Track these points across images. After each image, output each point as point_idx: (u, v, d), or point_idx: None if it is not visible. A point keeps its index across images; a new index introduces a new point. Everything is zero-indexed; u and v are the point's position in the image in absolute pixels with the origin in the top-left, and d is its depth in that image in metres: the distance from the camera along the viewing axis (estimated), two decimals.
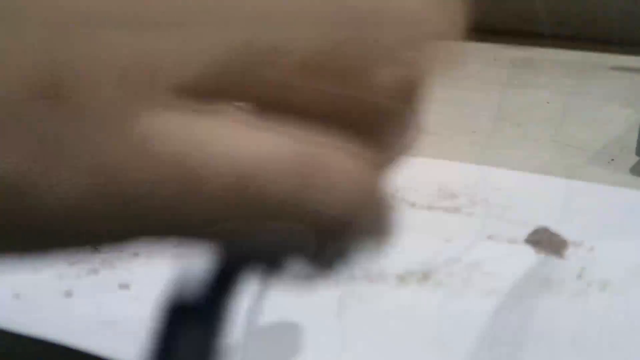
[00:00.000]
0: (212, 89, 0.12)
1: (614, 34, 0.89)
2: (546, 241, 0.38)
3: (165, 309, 0.16)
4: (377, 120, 0.15)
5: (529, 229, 0.40)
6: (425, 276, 0.35)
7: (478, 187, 0.45)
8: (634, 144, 0.50)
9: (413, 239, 0.39)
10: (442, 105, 0.65)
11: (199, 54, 0.12)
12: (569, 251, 0.37)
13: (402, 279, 0.35)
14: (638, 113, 0.61)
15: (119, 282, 0.34)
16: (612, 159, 0.51)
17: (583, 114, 0.62)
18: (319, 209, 0.14)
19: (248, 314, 0.21)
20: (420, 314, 0.32)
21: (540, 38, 0.91)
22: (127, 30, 0.12)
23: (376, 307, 0.32)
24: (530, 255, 0.37)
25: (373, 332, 0.31)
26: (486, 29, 0.94)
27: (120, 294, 0.33)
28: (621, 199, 0.44)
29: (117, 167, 0.12)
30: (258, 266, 0.16)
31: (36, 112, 0.11)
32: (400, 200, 0.44)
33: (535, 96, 0.67)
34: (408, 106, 0.16)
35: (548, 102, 0.65)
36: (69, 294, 0.33)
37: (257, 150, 0.13)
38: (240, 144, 0.12)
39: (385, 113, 0.15)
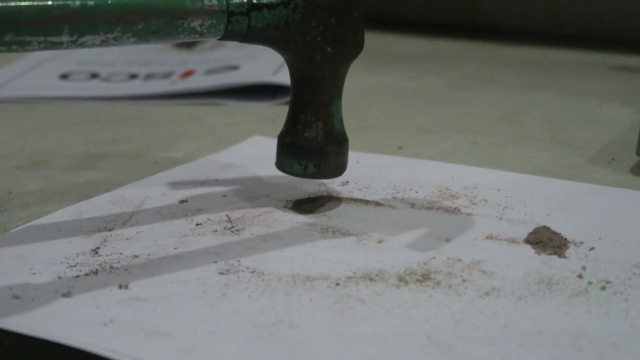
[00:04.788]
0: None
1: (614, 34, 0.89)
2: (546, 241, 0.38)
3: None
4: None
5: (529, 229, 0.40)
6: (425, 276, 0.35)
7: (478, 187, 0.45)
8: (634, 144, 0.50)
9: (413, 239, 0.39)
10: (442, 105, 0.65)
11: None
12: (569, 251, 0.37)
13: (402, 279, 0.35)
14: (638, 113, 0.61)
15: (119, 282, 0.34)
16: (612, 159, 0.51)
17: (583, 113, 0.62)
18: None
19: None
20: (420, 314, 0.32)
21: (541, 38, 0.91)
22: None
23: (376, 307, 0.32)
24: (530, 255, 0.37)
25: (373, 332, 0.31)
26: (486, 29, 0.94)
27: (120, 294, 0.33)
28: (621, 199, 0.44)
29: None
30: None
31: None
32: (401, 200, 0.44)
33: (535, 95, 0.67)
34: None
35: (548, 102, 0.65)
36: (68, 294, 0.33)
37: None
38: None
39: None
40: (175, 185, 0.46)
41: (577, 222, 0.41)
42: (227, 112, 0.63)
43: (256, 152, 0.52)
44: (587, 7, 0.89)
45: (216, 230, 0.40)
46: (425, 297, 0.33)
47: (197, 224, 0.40)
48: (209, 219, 0.41)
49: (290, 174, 0.41)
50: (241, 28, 0.38)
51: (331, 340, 0.30)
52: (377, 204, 0.43)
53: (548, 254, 0.37)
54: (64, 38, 0.33)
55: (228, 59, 0.75)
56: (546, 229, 0.39)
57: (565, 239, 0.39)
